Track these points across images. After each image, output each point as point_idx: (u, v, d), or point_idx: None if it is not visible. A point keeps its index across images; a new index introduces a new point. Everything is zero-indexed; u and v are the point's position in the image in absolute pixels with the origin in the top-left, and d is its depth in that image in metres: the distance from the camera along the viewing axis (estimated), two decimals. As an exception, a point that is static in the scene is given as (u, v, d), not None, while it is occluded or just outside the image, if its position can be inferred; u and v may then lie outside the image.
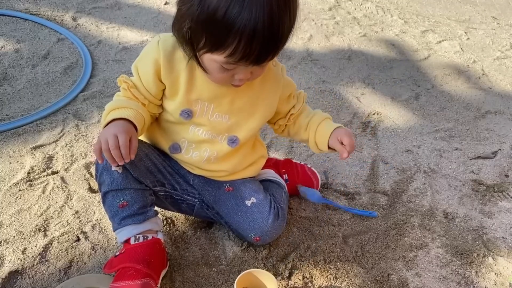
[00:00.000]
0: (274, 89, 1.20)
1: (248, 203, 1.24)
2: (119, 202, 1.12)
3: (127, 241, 1.14)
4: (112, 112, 1.06)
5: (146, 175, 1.16)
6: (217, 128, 1.18)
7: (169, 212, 1.38)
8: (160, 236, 1.18)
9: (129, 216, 1.13)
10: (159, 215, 1.24)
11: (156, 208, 1.23)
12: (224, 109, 1.16)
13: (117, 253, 1.14)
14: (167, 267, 1.20)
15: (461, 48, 2.71)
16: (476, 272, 1.34)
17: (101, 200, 1.16)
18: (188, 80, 1.11)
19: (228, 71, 1.01)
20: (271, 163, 1.49)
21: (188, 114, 1.14)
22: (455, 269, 1.35)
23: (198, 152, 1.20)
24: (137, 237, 1.14)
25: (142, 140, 1.22)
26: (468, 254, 1.39)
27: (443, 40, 2.78)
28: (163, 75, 1.10)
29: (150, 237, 1.15)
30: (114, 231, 1.16)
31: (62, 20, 2.31)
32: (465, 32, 2.93)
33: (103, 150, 0.98)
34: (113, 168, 1.11)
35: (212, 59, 0.98)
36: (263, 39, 0.90)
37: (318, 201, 1.47)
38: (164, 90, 1.14)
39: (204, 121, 1.16)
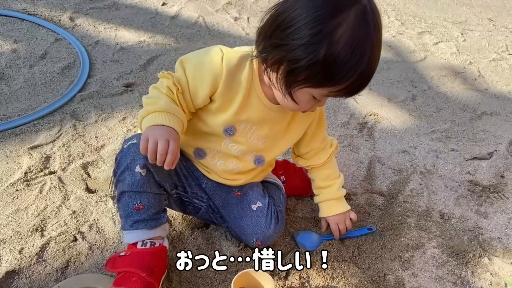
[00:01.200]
0: (305, 118, 1.22)
1: (254, 207, 1.26)
2: (135, 204, 1.11)
3: (133, 243, 1.14)
4: (159, 113, 1.01)
5: (166, 178, 1.16)
6: (251, 149, 1.19)
7: (167, 212, 1.38)
8: (165, 243, 1.18)
9: (143, 220, 1.12)
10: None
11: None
12: (264, 133, 1.17)
13: (122, 253, 1.13)
14: (166, 271, 1.20)
15: (458, 50, 2.73)
16: (472, 272, 1.35)
17: (116, 197, 1.15)
18: (243, 101, 1.10)
19: (316, 101, 1.03)
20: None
21: (232, 131, 1.14)
22: (451, 269, 1.35)
23: (223, 162, 1.21)
24: (144, 242, 1.13)
25: None
26: (464, 255, 1.40)
27: (439, 42, 2.80)
28: (219, 93, 1.08)
29: (157, 244, 1.15)
30: (122, 230, 1.15)
31: (59, 20, 2.30)
32: (462, 34, 2.95)
33: (149, 151, 0.96)
34: (137, 170, 1.09)
35: (309, 92, 0.99)
36: (369, 79, 0.97)
37: (319, 244, 1.37)
38: (208, 104, 1.11)
39: (243, 141, 1.17)
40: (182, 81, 1.07)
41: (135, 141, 1.10)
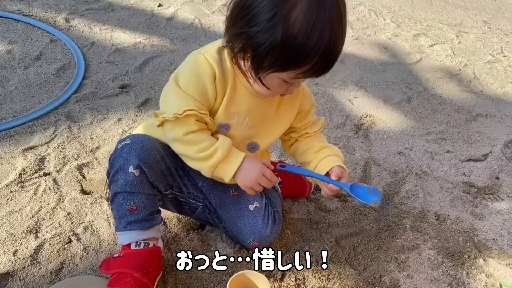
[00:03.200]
0: (294, 100, 1.22)
1: (251, 207, 1.25)
2: (128, 205, 1.11)
3: (127, 244, 1.13)
4: (226, 159, 1.08)
5: (160, 179, 1.16)
6: (244, 138, 1.19)
7: (163, 213, 1.38)
8: (160, 243, 1.18)
9: (136, 221, 1.12)
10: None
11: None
12: (256, 121, 1.17)
13: (116, 255, 1.12)
14: (161, 273, 1.20)
15: (453, 52, 2.74)
16: (467, 273, 1.35)
17: (109, 198, 1.15)
18: (231, 93, 1.10)
19: (288, 84, 1.03)
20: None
21: (226, 128, 1.14)
22: (447, 270, 1.36)
23: None
24: (138, 243, 1.13)
25: (158, 140, 1.16)
26: (459, 256, 1.40)
27: (435, 44, 2.81)
28: (218, 90, 1.08)
29: (151, 244, 1.14)
30: (116, 231, 1.15)
31: (55, 21, 2.30)
32: (457, 36, 2.96)
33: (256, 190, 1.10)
34: (130, 170, 1.08)
35: (278, 76, 0.99)
36: (335, 57, 0.96)
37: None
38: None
39: (237, 134, 1.16)
40: (196, 104, 1.05)
41: (128, 142, 1.10)
